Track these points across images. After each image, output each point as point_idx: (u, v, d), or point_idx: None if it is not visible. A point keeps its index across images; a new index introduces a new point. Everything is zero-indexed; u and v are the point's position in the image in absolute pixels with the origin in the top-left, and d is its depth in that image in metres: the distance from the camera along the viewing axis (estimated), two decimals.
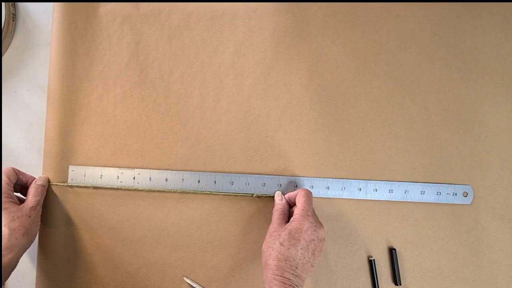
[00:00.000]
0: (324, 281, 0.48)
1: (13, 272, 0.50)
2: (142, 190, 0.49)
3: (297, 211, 0.43)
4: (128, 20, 0.50)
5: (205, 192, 0.48)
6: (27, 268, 0.49)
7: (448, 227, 0.49)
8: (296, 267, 0.39)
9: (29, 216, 0.44)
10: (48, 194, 0.48)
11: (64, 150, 0.49)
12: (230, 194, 0.48)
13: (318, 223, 0.42)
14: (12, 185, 0.46)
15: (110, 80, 0.49)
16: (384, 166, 0.49)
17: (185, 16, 0.50)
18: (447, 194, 0.49)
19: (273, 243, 0.40)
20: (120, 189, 0.49)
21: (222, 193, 0.48)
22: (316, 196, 0.48)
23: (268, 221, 0.46)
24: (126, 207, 0.49)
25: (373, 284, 0.48)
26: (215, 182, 0.48)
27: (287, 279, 0.38)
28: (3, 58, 0.50)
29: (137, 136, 0.49)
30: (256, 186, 0.48)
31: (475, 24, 0.50)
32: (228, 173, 0.49)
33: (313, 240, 0.41)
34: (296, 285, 0.38)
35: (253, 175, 0.49)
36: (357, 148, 0.49)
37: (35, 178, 0.48)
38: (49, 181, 0.48)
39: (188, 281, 0.48)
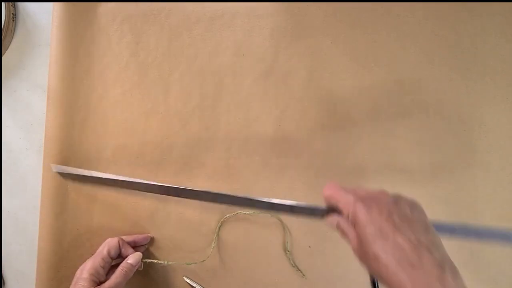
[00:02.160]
0: (324, 281, 0.48)
1: (13, 272, 0.50)
2: (142, 190, 0.49)
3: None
4: (128, 20, 0.50)
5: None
6: (27, 268, 0.49)
7: None
8: None
9: None
10: (47, 194, 0.48)
11: (64, 150, 0.49)
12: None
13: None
14: (108, 261, 0.41)
15: (110, 80, 0.49)
16: (384, 166, 0.49)
17: (185, 16, 0.50)
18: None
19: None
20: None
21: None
22: None
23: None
24: (126, 207, 0.49)
25: (373, 284, 0.48)
26: None
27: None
28: (3, 58, 0.50)
29: (137, 136, 0.49)
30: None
31: (475, 24, 0.50)
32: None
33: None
34: None
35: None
36: (357, 148, 0.49)
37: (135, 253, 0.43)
38: (142, 260, 0.44)
39: (188, 281, 0.48)
